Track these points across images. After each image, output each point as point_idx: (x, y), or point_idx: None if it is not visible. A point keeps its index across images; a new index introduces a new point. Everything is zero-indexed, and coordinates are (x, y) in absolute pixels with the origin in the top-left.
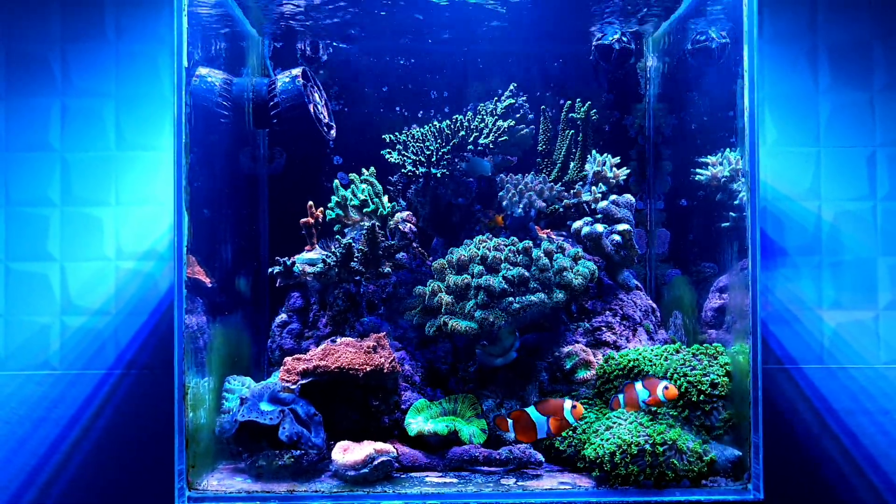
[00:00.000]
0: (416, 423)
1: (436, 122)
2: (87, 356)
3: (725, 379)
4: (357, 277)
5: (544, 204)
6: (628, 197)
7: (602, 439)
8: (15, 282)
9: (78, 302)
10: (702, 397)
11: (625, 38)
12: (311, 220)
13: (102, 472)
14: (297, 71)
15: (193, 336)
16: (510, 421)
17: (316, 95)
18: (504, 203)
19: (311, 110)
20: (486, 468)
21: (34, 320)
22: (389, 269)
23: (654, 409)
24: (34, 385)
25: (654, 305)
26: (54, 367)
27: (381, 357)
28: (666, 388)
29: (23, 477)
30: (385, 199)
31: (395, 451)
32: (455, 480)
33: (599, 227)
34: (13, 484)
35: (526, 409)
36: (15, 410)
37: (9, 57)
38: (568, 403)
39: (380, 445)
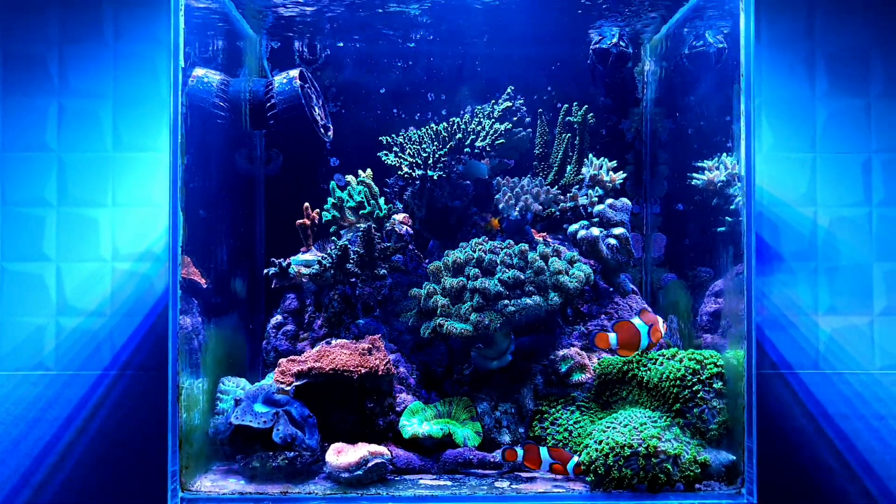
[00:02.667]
0: (411, 425)
1: (433, 125)
2: (82, 357)
3: (720, 383)
4: (353, 279)
5: (540, 207)
6: (625, 201)
7: (595, 442)
8: (10, 282)
9: (73, 303)
10: (696, 400)
11: (622, 43)
12: (308, 222)
13: (97, 473)
14: (294, 72)
15: (188, 337)
16: (612, 335)
17: (313, 97)
18: (500, 206)
19: (308, 111)
20: (480, 471)
21: (29, 321)
22: (385, 272)
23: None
24: (29, 386)
25: (650, 309)
26: (49, 367)
27: (375, 359)
28: (577, 465)
29: (17, 477)
30: (381, 200)
31: (389, 453)
32: (449, 483)
33: (595, 231)
34: (8, 484)
35: (630, 320)
36: (10, 411)
37: (6, 57)
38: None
39: (374, 447)
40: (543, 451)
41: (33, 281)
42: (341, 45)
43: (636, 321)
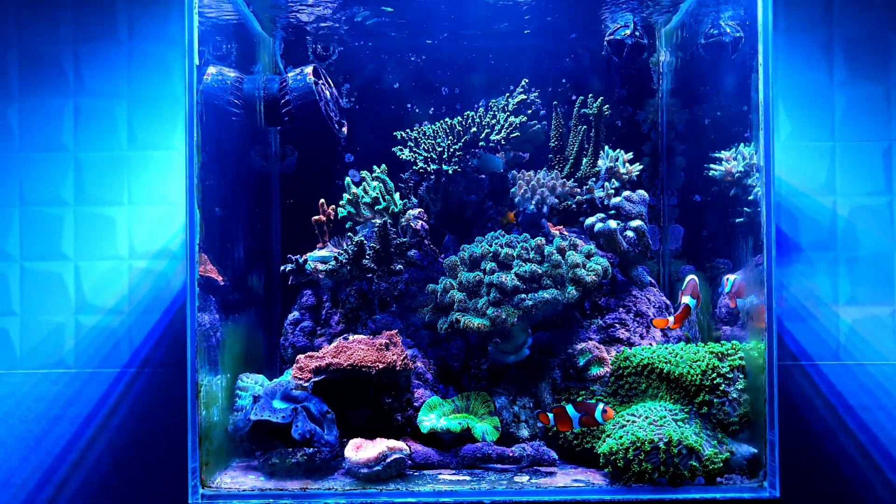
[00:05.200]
0: (429, 420)
1: (447, 119)
2: (101, 355)
3: (741, 376)
4: (369, 275)
5: (557, 200)
6: (641, 193)
7: (616, 436)
8: (30, 281)
9: (92, 301)
10: (717, 392)
11: (637, 33)
12: (323, 218)
13: (117, 470)
14: (308, 69)
15: (206, 334)
16: (551, 415)
17: (327, 93)
18: (516, 199)
19: (323, 108)
20: (499, 465)
21: (49, 319)
22: (401, 267)
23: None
24: (50, 384)
25: (668, 302)
26: (69, 365)
27: (393, 354)
28: (604, 410)
29: (39, 475)
30: (397, 196)
31: (407, 448)
32: (468, 478)
33: (612, 224)
34: (30, 482)
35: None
36: (31, 409)
37: (22, 58)
38: (600, 406)
39: (392, 443)
40: (570, 408)
41: (52, 279)
42: (354, 41)
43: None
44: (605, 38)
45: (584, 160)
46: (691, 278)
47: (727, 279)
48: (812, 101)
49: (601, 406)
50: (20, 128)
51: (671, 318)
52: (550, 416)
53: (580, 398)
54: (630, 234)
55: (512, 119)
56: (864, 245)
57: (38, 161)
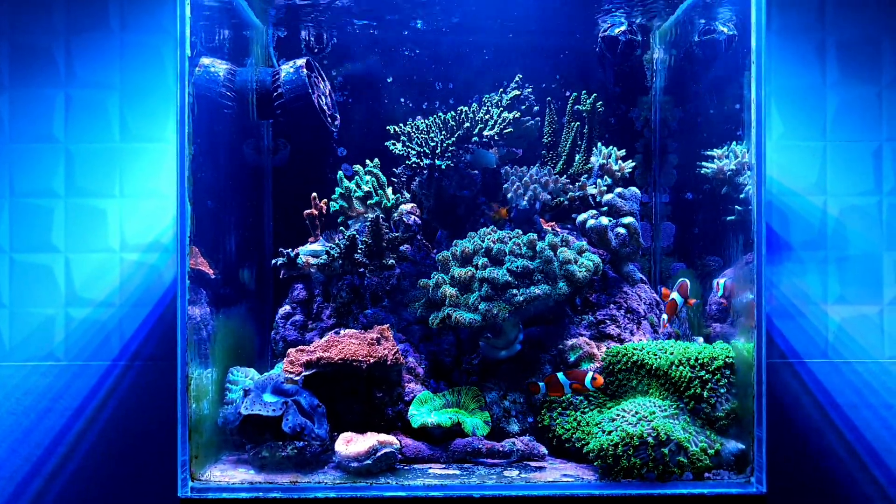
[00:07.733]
0: (420, 414)
1: (440, 114)
2: (91, 347)
3: (729, 373)
4: (361, 269)
5: (549, 196)
6: (634, 190)
7: (605, 432)
8: (20, 273)
9: (82, 293)
10: (706, 389)
11: (631, 30)
12: (315, 212)
13: (106, 463)
14: (301, 61)
15: (197, 327)
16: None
17: (320, 86)
18: (509, 195)
19: (315, 101)
20: (489, 460)
21: (39, 312)
22: (393, 262)
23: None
24: (39, 376)
25: (659, 299)
26: (59, 358)
27: (384, 349)
28: (594, 378)
29: (28, 467)
30: (389, 190)
31: (398, 442)
32: (458, 472)
33: (604, 220)
34: (18, 474)
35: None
36: (20, 401)
37: (13, 48)
38: (590, 374)
39: (383, 437)
40: (561, 376)
41: (42, 272)
42: (348, 34)
43: (675, 295)
44: (599, 35)
45: (577, 157)
46: (683, 280)
47: (717, 283)
48: (804, 101)
49: (590, 374)
50: (10, 118)
51: (664, 316)
52: (541, 384)
53: (567, 397)
54: (622, 230)
55: (505, 114)
56: (854, 244)
57: (29, 152)
